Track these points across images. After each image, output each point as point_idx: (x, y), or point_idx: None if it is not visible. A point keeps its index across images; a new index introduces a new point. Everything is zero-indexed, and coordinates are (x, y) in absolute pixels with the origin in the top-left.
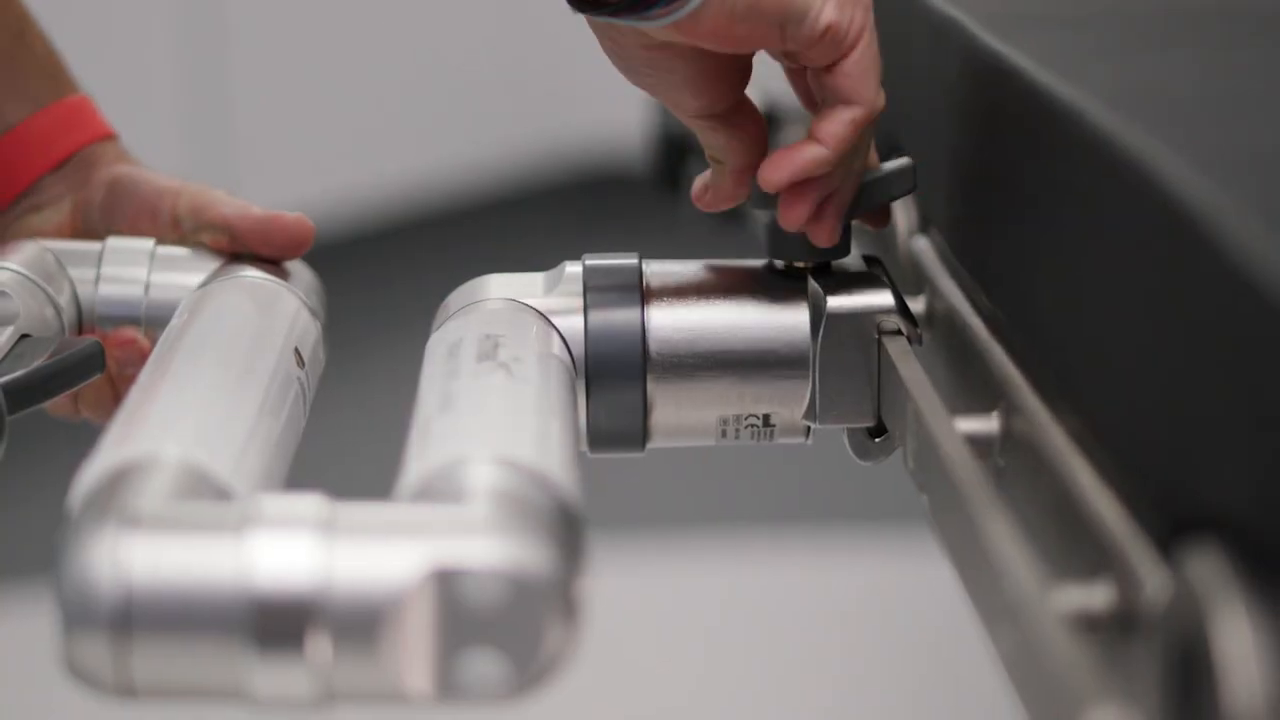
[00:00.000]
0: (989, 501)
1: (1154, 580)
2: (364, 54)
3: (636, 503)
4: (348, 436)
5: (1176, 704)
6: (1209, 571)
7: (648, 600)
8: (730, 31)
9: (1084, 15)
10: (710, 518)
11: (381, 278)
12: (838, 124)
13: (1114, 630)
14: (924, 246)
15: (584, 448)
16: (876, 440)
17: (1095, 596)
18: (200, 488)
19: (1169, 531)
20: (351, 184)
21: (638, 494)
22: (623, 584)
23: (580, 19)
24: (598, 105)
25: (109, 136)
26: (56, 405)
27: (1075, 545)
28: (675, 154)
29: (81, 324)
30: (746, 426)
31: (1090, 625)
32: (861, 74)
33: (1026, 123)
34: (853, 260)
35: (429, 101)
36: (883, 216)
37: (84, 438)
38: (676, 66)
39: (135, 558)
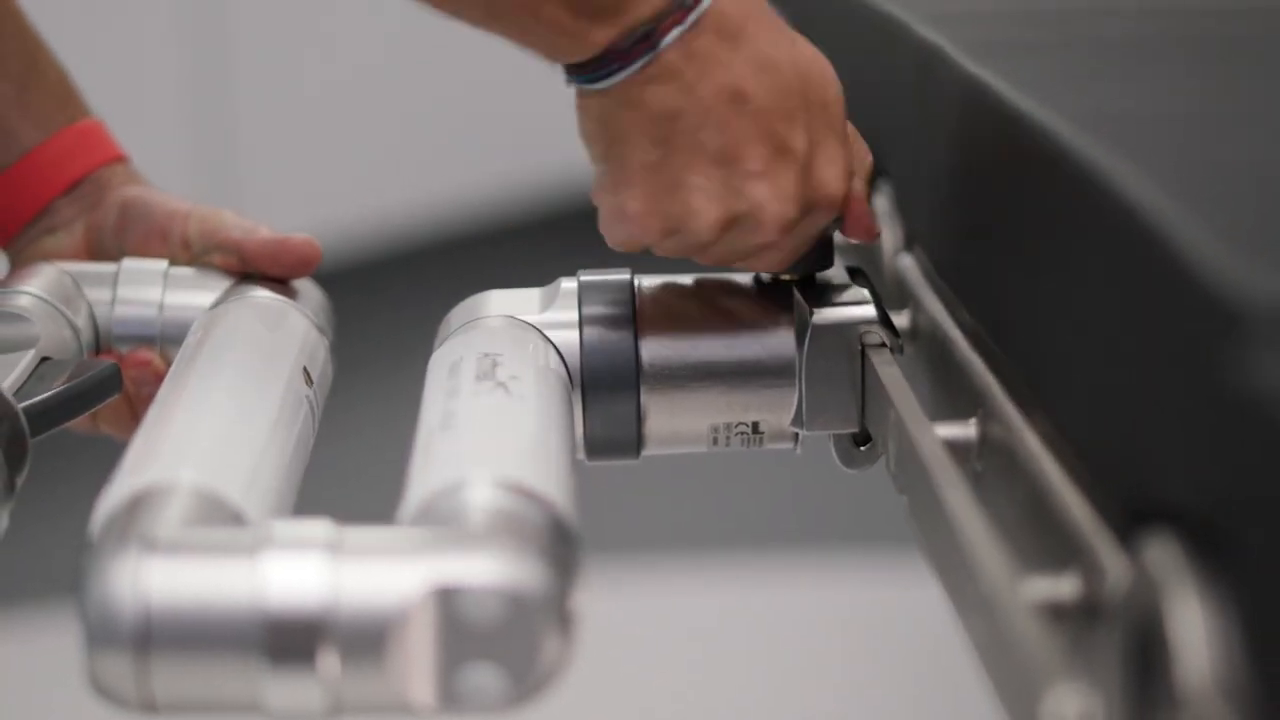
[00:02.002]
0: (964, 500)
1: (1116, 570)
2: (365, 85)
3: (631, 525)
4: (352, 460)
5: (1135, 683)
6: (1164, 559)
7: (641, 622)
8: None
9: (1059, 42)
10: (702, 541)
11: (382, 304)
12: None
13: (1080, 619)
14: (908, 263)
15: (581, 456)
16: (861, 449)
17: (1062, 587)
18: (214, 512)
19: (1130, 524)
20: (352, 214)
21: (633, 516)
22: (617, 606)
23: None
24: None
25: (120, 159)
26: (76, 421)
27: (1046, 542)
28: None
29: (99, 343)
30: (737, 434)
31: (1058, 614)
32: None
33: (1001, 144)
34: (837, 273)
35: (431, 132)
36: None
37: (92, 455)
38: None
39: (154, 582)
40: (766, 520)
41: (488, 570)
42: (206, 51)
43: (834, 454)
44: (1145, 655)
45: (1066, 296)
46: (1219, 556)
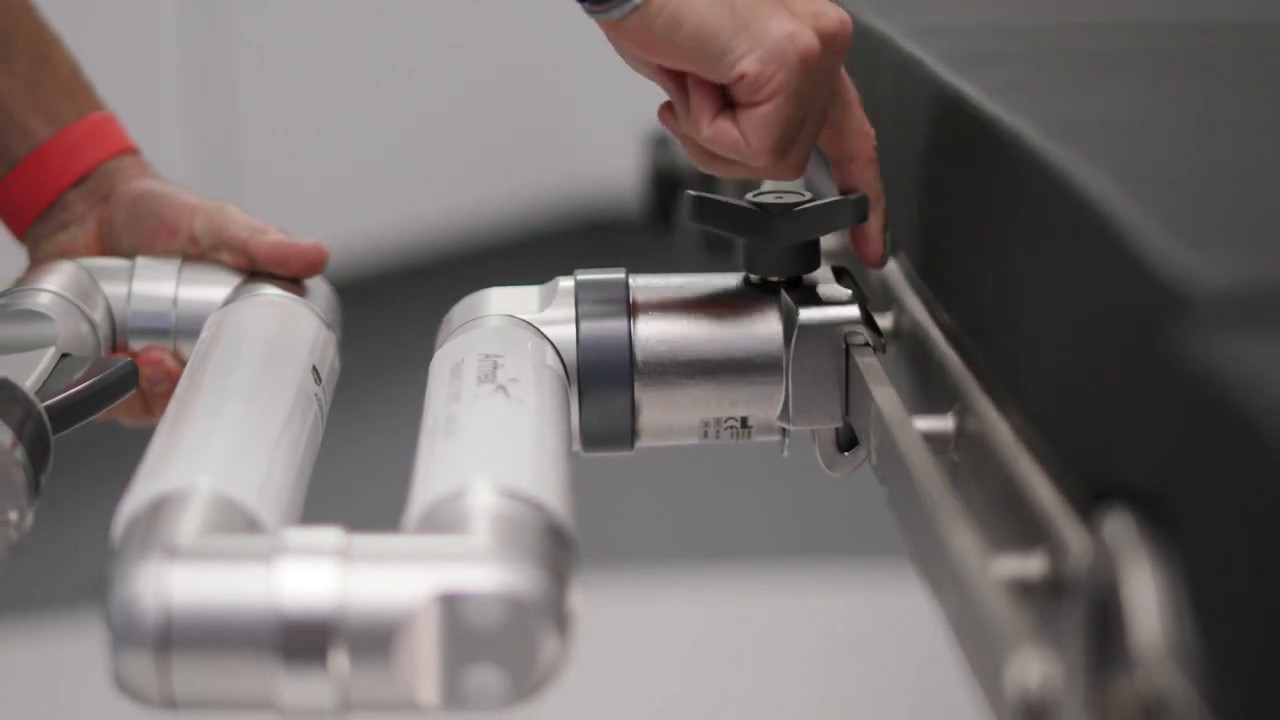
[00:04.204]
0: (939, 487)
1: (1079, 547)
2: (366, 103)
3: (626, 536)
4: (354, 470)
5: (1095, 649)
6: (1120, 533)
7: (636, 632)
8: (648, 50)
9: (1033, 54)
10: (695, 553)
11: (383, 320)
12: (722, 149)
13: (1047, 594)
14: (891, 267)
15: (577, 448)
16: (844, 454)
17: (1030, 565)
18: (230, 517)
19: (1091, 504)
20: (354, 230)
21: (629, 528)
22: (611, 615)
23: (577, 75)
24: (595, 152)
25: (131, 150)
26: None
27: (1017, 525)
28: (667, 191)
29: (115, 337)
30: (727, 428)
31: (1026, 591)
32: (757, 129)
33: (975, 151)
34: (822, 274)
35: (430, 150)
36: (876, 254)
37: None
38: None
39: (175, 587)
40: (761, 529)
41: (489, 577)
42: (208, 50)
43: (818, 458)
44: (1103, 623)
45: (1034, 292)
46: (1168, 529)
